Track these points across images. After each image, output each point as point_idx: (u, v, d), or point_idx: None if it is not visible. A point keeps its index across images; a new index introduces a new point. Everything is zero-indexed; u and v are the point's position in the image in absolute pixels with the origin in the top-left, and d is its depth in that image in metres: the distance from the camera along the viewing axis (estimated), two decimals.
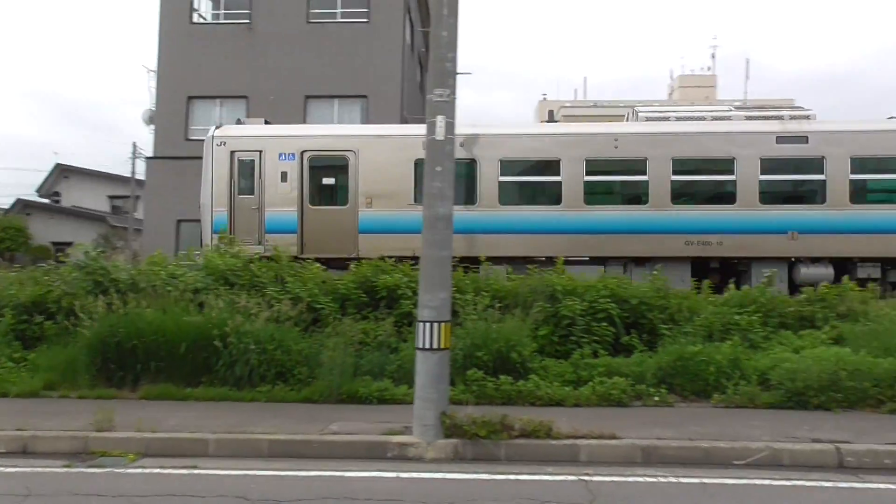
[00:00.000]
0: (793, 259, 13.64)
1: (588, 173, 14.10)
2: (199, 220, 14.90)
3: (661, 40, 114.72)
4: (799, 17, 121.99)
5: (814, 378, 7.42)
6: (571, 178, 14.11)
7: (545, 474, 5.81)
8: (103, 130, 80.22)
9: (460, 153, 13.34)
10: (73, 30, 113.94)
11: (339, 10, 22.58)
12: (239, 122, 16.36)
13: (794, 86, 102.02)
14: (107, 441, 6.53)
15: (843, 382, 7.38)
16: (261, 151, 14.51)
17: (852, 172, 13.64)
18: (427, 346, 6.50)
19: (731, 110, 15.50)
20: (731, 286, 10.15)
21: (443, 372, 6.56)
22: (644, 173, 14.02)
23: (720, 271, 13.53)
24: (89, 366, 8.39)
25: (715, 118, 14.75)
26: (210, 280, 9.51)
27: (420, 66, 26.71)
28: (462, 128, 13.26)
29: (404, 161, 14.15)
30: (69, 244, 24.62)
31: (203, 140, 15.07)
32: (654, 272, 10.16)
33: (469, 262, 11.52)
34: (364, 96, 22.21)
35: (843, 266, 13.41)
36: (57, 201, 39.32)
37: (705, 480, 5.62)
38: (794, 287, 12.96)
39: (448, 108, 6.73)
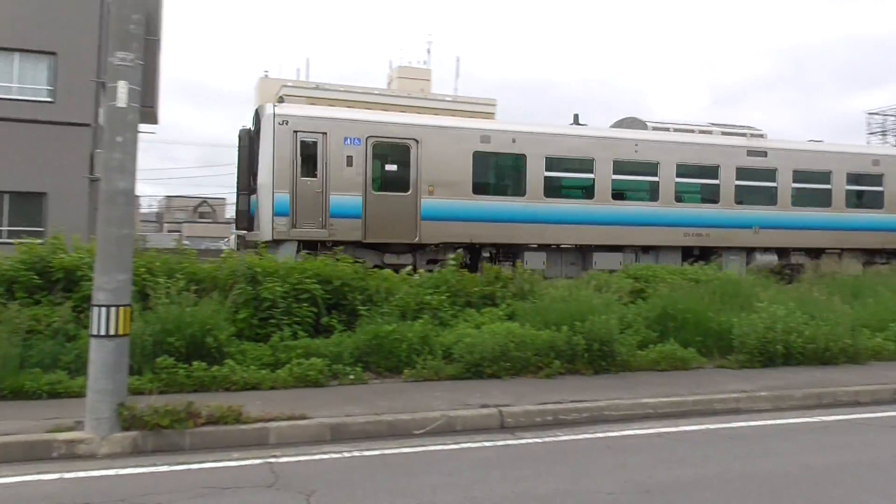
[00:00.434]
0: (751, 248, 17.49)
1: (615, 172, 16.47)
2: None
3: (381, 32, 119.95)
4: (502, 28, 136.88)
5: (488, 350, 8.27)
6: (602, 176, 16.35)
7: (231, 460, 5.67)
8: None
9: (512, 148, 15.83)
10: None
11: None
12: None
13: (496, 88, 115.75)
14: None
15: (512, 353, 8.33)
16: (325, 133, 14.48)
17: (794, 182, 17.84)
18: (103, 332, 5.95)
19: (710, 125, 18.93)
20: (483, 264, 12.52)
21: (121, 360, 6.05)
22: (656, 175, 16.79)
23: (700, 257, 16.46)
24: None
25: (701, 132, 18.06)
26: None
27: None
28: (513, 125, 16.55)
29: (463, 152, 15.28)
30: None
31: None
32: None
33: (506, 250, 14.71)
34: (53, 53, 19.60)
35: (783, 253, 17.70)
36: None
37: (385, 452, 5.95)
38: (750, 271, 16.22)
39: (132, 74, 6.18)
